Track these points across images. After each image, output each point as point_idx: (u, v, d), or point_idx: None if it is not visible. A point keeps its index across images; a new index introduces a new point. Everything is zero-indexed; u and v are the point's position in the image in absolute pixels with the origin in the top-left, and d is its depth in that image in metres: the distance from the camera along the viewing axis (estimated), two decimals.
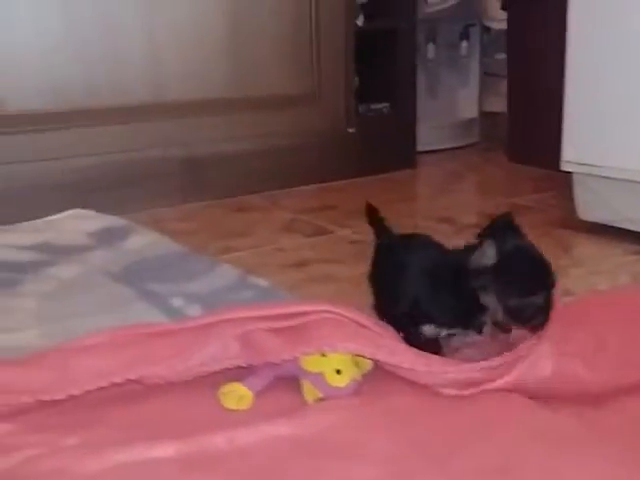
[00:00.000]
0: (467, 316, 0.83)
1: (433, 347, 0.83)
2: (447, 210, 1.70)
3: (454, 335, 0.85)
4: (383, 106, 2.08)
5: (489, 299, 0.80)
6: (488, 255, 0.79)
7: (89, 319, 1.04)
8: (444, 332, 0.84)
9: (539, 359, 0.77)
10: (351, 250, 1.44)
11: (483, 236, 0.80)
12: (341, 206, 1.75)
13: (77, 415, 0.77)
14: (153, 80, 1.71)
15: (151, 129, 1.73)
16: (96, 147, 1.66)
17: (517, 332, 0.83)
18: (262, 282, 1.17)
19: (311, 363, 0.78)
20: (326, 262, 1.37)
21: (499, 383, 0.76)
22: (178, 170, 1.77)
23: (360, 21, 2.00)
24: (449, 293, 0.83)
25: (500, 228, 0.81)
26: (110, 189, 1.68)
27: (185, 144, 1.78)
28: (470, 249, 0.81)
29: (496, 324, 0.83)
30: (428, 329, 0.83)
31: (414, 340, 0.83)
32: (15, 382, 0.78)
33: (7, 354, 0.93)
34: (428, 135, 2.23)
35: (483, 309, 0.82)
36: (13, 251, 1.34)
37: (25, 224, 1.50)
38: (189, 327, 0.84)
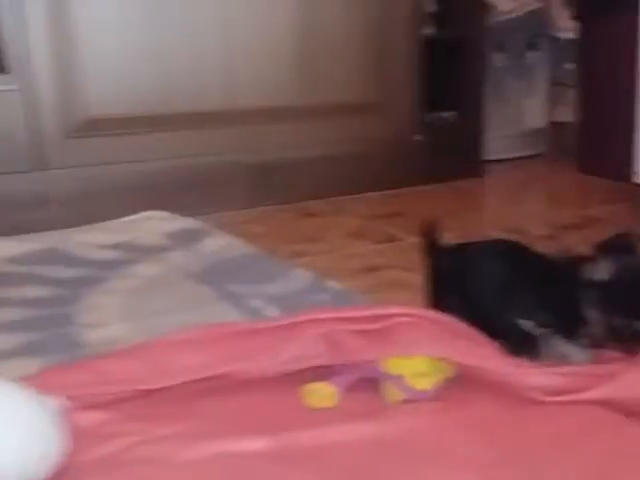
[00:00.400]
0: (564, 321, 0.84)
1: (529, 345, 0.84)
2: (516, 220, 1.70)
3: (548, 337, 0.86)
4: (450, 114, 2.09)
5: (592, 313, 0.81)
6: (603, 270, 0.80)
7: (173, 316, 1.09)
8: (539, 330, 0.85)
9: (635, 379, 0.77)
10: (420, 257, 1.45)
11: (600, 250, 0.81)
12: (409, 214, 1.77)
13: (169, 407, 0.80)
14: (226, 88, 1.76)
15: (223, 135, 1.78)
16: (170, 151, 1.72)
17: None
18: (337, 285, 1.20)
19: (394, 365, 0.80)
20: (397, 269, 1.38)
21: (589, 395, 0.76)
22: (247, 175, 1.82)
23: (430, 30, 2.01)
24: (552, 295, 0.84)
25: (618, 246, 0.81)
26: (182, 192, 1.74)
27: (255, 150, 1.82)
28: (578, 259, 0.82)
29: (593, 338, 0.84)
30: (526, 324, 0.85)
31: (510, 335, 0.85)
32: (112, 373, 0.82)
33: (98, 347, 0.98)
34: (495, 144, 2.22)
35: (580, 320, 0.82)
36: (97, 249, 1.40)
37: (106, 223, 1.56)
38: (274, 326, 0.87)
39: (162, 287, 1.23)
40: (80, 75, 1.57)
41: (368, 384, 0.83)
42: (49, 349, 0.97)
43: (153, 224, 1.57)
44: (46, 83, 1.53)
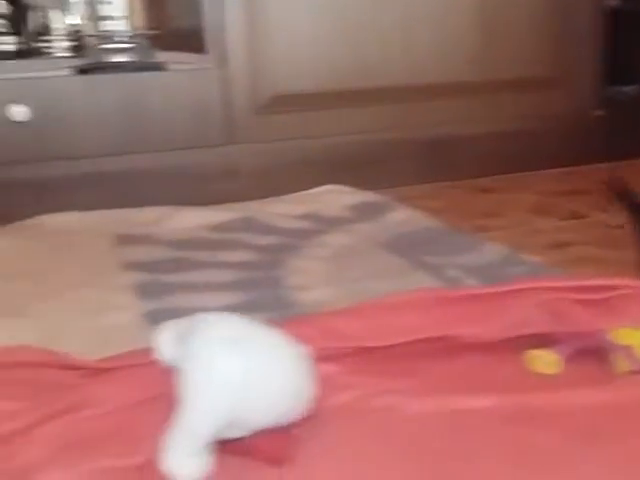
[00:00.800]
0: None
1: None
2: None
3: None
4: (633, 88, 1.99)
5: None
6: None
7: (374, 283, 1.12)
8: None
9: None
10: (610, 234, 1.41)
11: None
12: (591, 191, 1.71)
13: (392, 364, 0.84)
14: (405, 64, 1.78)
15: (400, 110, 1.80)
16: (349, 127, 1.76)
17: None
18: (533, 258, 1.19)
19: (622, 336, 0.79)
20: (587, 245, 1.35)
21: None
22: (423, 150, 1.83)
23: (614, 1, 1.92)
24: None
25: None
26: (359, 167, 1.78)
27: (431, 125, 1.83)
28: None
29: None
30: None
31: None
32: (337, 329, 0.86)
33: (309, 308, 1.04)
34: None
35: None
36: (288, 219, 1.47)
37: (291, 196, 1.64)
38: (492, 292, 0.88)
39: (355, 256, 1.27)
40: (270, 54, 1.64)
41: (589, 354, 0.83)
42: (266, 307, 1.04)
43: (334, 197, 1.62)
44: (239, 61, 1.61)
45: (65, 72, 1.54)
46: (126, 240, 1.38)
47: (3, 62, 1.62)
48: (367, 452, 0.69)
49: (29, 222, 1.50)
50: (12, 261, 1.30)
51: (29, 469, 0.65)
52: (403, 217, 1.48)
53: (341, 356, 0.84)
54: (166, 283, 1.16)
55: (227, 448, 0.67)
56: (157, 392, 0.76)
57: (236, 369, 0.63)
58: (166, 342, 0.69)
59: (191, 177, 1.64)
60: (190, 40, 1.64)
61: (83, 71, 1.57)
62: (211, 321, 0.67)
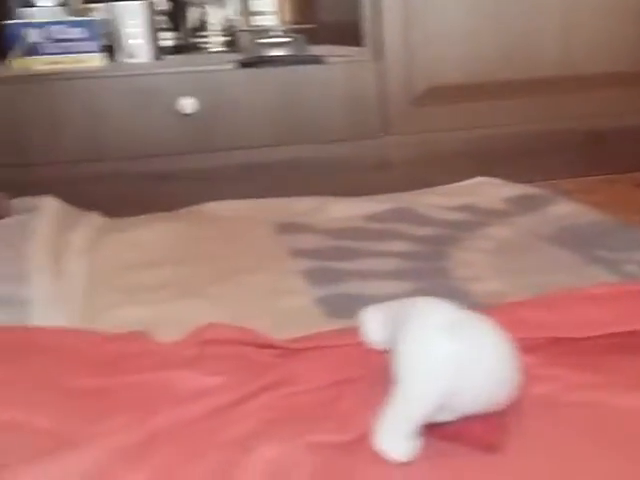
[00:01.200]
0: None
1: None
2: None
3: None
4: None
5: None
6: None
7: (544, 276, 1.10)
8: None
9: None
10: None
11: None
12: None
13: (587, 358, 0.81)
14: (562, 53, 1.72)
15: (556, 102, 1.75)
16: (503, 118, 1.73)
17: None
18: None
19: None
20: None
21: None
22: (579, 143, 1.77)
23: None
24: None
25: None
26: (512, 159, 1.74)
27: (589, 117, 1.76)
28: None
29: None
30: None
31: None
32: (528, 320, 0.85)
33: (479, 299, 1.03)
34: None
35: None
36: (444, 211, 1.47)
37: (444, 187, 1.63)
38: None
39: (520, 249, 1.25)
40: (425, 45, 1.64)
41: None
42: (440, 297, 1.04)
43: (489, 189, 1.60)
44: (395, 53, 1.62)
45: (229, 66, 1.60)
46: (286, 228, 1.42)
47: (171, 57, 1.71)
48: (577, 447, 0.67)
49: (192, 209, 1.57)
50: (182, 246, 1.37)
51: (245, 441, 0.69)
52: (566, 210, 1.43)
53: (534, 347, 0.83)
54: (334, 270, 1.18)
55: (434, 432, 0.67)
56: (354, 373, 0.77)
57: (452, 353, 0.63)
58: (375, 325, 0.70)
59: (345, 168, 1.66)
60: (345, 33, 1.67)
61: (244, 65, 1.63)
62: (424, 306, 0.67)
